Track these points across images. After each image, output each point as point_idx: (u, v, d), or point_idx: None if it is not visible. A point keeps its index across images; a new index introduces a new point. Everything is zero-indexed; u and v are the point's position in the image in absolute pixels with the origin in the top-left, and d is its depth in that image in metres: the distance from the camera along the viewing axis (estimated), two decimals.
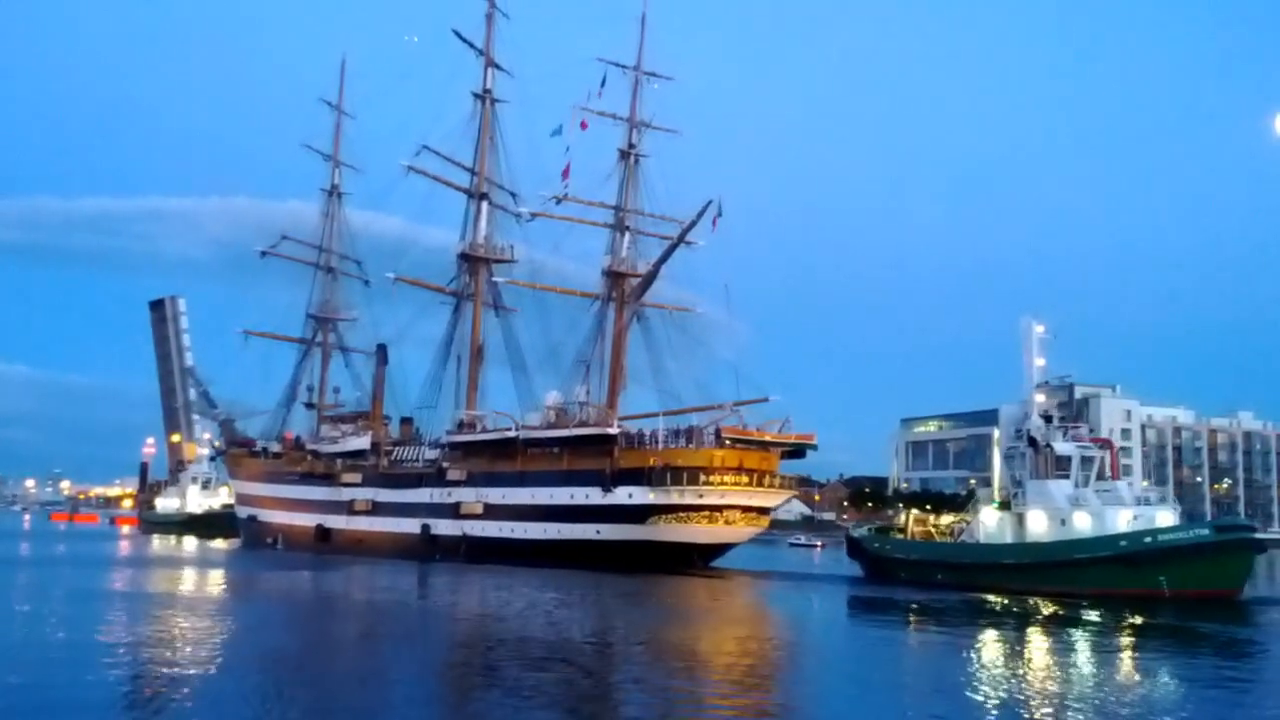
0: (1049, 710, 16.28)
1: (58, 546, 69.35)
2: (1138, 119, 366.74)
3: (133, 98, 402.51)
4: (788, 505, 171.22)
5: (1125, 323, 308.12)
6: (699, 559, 53.64)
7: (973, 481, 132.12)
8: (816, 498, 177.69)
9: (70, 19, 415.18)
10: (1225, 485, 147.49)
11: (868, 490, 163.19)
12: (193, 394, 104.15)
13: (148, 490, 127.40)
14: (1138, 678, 20.62)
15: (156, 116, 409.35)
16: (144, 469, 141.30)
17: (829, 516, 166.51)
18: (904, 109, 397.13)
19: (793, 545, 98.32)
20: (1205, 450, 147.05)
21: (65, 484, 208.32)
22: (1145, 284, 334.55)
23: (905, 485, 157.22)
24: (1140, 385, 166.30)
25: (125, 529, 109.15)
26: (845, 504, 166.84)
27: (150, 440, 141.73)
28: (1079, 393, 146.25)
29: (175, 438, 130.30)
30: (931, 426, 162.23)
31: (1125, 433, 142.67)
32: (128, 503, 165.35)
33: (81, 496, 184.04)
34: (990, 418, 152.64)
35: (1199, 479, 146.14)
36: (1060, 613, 33.77)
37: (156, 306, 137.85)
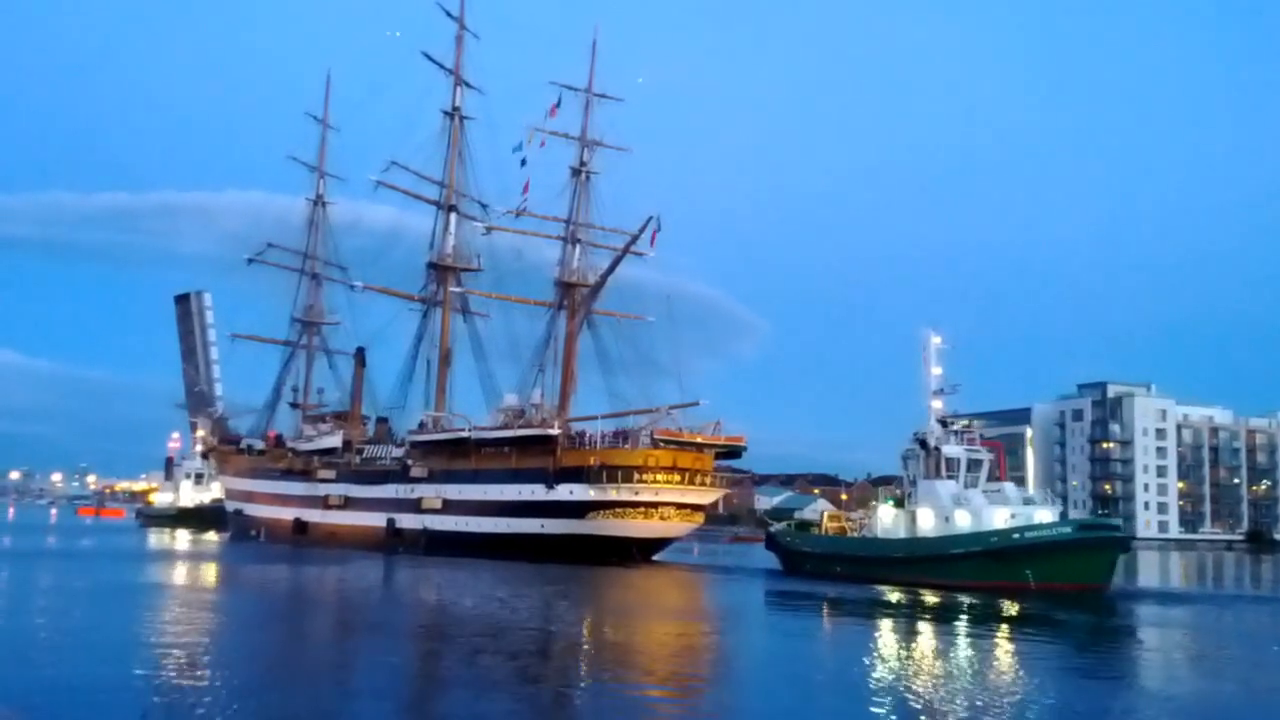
0: (921, 693, 19.18)
1: (82, 540, 76.76)
2: (1169, 110, 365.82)
3: (146, 93, 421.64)
4: (813, 505, 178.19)
5: (1161, 321, 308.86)
6: (638, 553, 60.74)
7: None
8: (844, 497, 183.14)
9: (84, 18, 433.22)
10: (1263, 487, 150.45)
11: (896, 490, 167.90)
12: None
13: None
14: (1006, 661, 24.77)
15: (170, 112, 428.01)
16: (168, 463, 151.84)
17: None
18: (903, 104, 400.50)
19: None
20: (1243, 451, 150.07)
21: (91, 478, 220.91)
22: (1182, 281, 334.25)
23: None
24: (1176, 384, 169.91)
25: None
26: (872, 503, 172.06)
27: (175, 435, 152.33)
28: (1112, 392, 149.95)
29: (200, 432, 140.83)
30: (961, 425, 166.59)
31: (1160, 433, 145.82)
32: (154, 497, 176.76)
33: (108, 491, 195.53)
34: (1023, 416, 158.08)
35: (1236, 480, 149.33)
36: (938, 602, 39.66)
37: (181, 301, 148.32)
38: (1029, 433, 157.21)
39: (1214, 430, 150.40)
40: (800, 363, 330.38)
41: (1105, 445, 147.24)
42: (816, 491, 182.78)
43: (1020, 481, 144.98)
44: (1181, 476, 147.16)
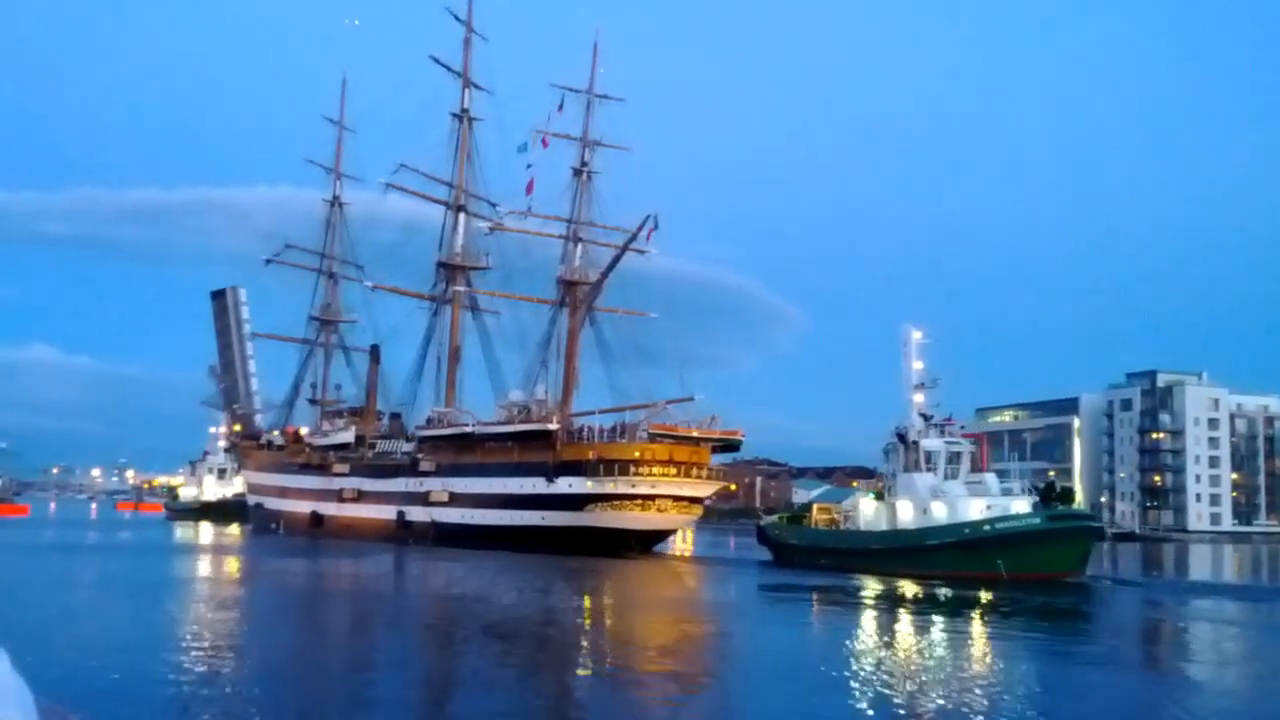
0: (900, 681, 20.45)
1: (119, 534, 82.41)
2: (1227, 92, 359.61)
3: (173, 91, 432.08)
4: (851, 498, 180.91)
5: (1213, 308, 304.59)
6: (637, 545, 64.69)
7: (1051, 473, 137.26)
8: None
9: (100, 20, 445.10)
10: None
11: None
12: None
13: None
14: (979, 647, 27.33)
15: (200, 109, 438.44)
16: (205, 457, 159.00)
17: None
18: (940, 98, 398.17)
19: None
20: None
21: (130, 473, 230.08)
22: (1235, 267, 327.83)
23: None
24: (1229, 373, 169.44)
25: None
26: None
27: (212, 430, 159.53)
28: (1162, 381, 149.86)
29: (236, 427, 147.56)
30: (1007, 416, 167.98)
31: (1212, 422, 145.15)
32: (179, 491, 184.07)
33: (146, 486, 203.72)
34: (1071, 406, 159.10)
35: None
36: (910, 593, 42.45)
37: (218, 297, 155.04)
38: (1076, 423, 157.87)
39: (1269, 419, 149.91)
40: (839, 353, 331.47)
41: (1155, 436, 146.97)
42: (855, 484, 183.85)
43: (1066, 473, 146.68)
44: (1235, 467, 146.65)
